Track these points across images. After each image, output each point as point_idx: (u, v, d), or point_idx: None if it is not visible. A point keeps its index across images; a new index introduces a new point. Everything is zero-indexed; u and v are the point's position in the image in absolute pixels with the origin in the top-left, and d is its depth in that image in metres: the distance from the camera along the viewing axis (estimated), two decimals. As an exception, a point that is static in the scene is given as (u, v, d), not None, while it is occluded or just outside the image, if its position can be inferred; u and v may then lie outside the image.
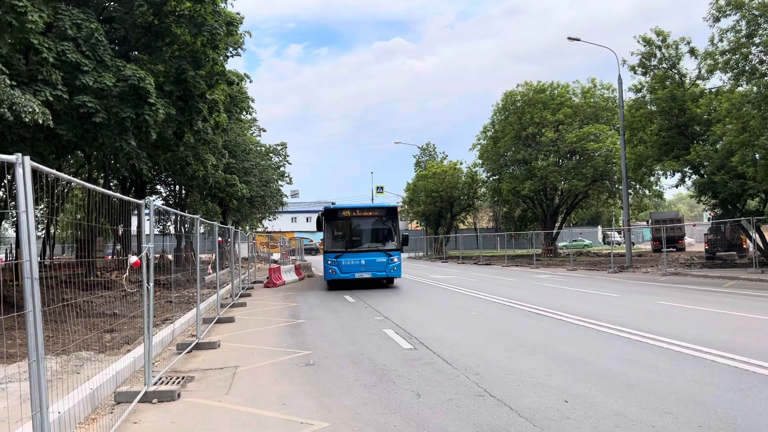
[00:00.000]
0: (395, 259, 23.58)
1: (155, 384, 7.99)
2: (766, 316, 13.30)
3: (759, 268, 26.09)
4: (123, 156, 19.25)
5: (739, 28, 25.46)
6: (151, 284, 7.78)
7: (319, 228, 24.48)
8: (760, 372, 8.13)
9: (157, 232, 41.27)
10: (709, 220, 38.01)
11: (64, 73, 14.88)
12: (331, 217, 24.15)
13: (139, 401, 7.37)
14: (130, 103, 16.27)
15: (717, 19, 26.48)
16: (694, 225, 48.23)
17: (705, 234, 39.77)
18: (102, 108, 15.54)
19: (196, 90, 19.38)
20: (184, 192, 42.04)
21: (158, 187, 43.31)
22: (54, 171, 5.34)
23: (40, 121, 13.03)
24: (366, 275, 23.27)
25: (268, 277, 27.81)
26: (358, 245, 24.04)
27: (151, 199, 8.57)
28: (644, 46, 31.20)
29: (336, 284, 24.22)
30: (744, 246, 34.38)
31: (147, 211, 8.30)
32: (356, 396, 7.63)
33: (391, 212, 24.83)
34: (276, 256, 45.64)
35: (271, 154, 50.41)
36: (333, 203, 26.81)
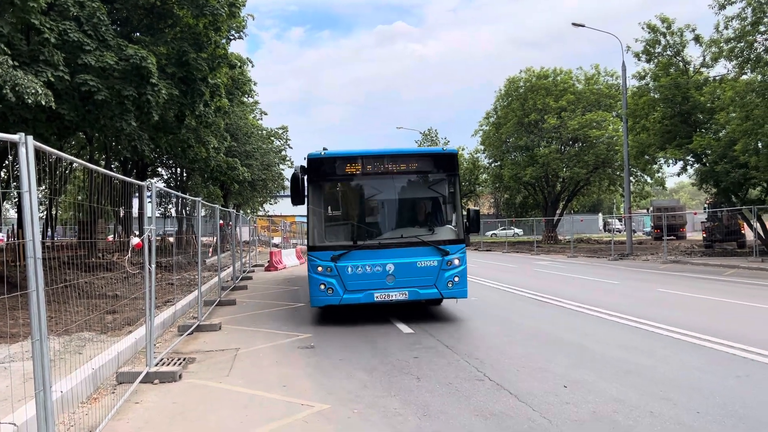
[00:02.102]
0: (456, 261, 11.56)
1: (157, 365, 8.04)
2: (766, 305, 13.33)
3: (759, 256, 26.09)
4: (124, 137, 19.22)
5: (744, 15, 25.25)
6: (153, 266, 7.80)
7: (295, 198, 12.02)
8: (759, 360, 8.16)
9: (158, 215, 41.35)
10: (705, 209, 37.95)
11: (65, 53, 14.81)
12: (320, 176, 11.92)
13: (140, 382, 7.42)
14: (132, 82, 16.20)
15: (722, 7, 26.27)
16: (695, 213, 48.15)
17: (702, 222, 39.70)
18: (104, 87, 15.48)
19: (198, 73, 19.27)
20: (185, 175, 42.04)
21: (159, 169, 43.31)
22: (56, 151, 5.33)
23: (43, 102, 12.99)
24: (396, 295, 11.33)
25: (269, 261, 27.85)
26: (377, 233, 11.95)
27: (153, 181, 8.58)
28: (649, 33, 30.98)
29: (332, 312, 12.67)
30: (742, 232, 34.33)
31: (149, 193, 8.29)
32: (356, 379, 7.67)
33: (445, 164, 12.27)
34: (277, 239, 45.71)
35: (272, 138, 50.27)
36: (324, 149, 12.43)
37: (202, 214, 15.01)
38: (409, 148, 14.64)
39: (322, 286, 11.28)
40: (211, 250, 25.35)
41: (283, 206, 75.32)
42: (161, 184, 40.71)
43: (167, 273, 17.87)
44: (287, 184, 56.46)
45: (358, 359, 8.78)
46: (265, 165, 43.81)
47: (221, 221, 18.42)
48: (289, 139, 53.68)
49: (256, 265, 29.12)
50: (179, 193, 20.66)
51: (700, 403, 6.34)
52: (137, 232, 27.43)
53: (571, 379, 7.43)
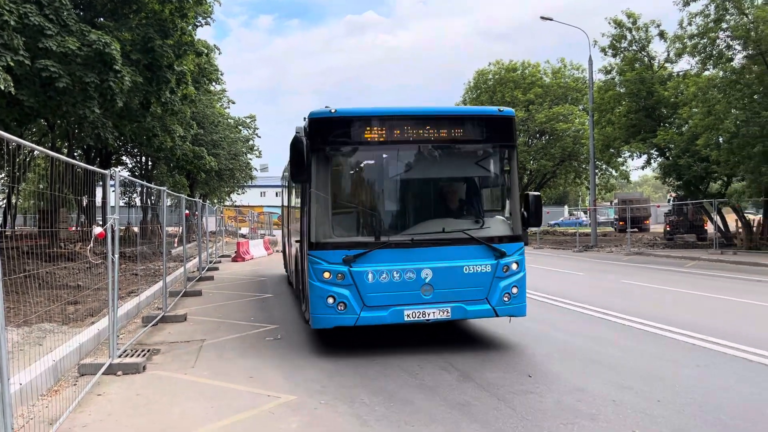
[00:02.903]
0: (514, 265, 8.67)
1: (120, 356, 7.91)
2: (725, 296, 13.65)
3: (719, 249, 26.71)
4: (88, 125, 18.82)
5: (707, 12, 25.73)
6: (116, 256, 7.66)
7: (298, 172, 8.47)
8: (719, 350, 8.36)
9: (122, 204, 40.68)
10: (669, 201, 38.75)
11: (26, 37, 14.41)
12: (328, 144, 8.52)
13: (103, 373, 7.30)
14: (95, 68, 15.84)
15: (686, 3, 26.73)
16: (658, 206, 49.16)
17: (665, 214, 40.50)
18: (65, 73, 15.11)
19: (163, 60, 18.93)
20: (150, 164, 41.37)
21: (124, 158, 42.53)
22: (16, 138, 5.19)
23: (2, 87, 12.63)
24: (434, 313, 8.31)
25: (236, 252, 27.62)
26: (408, 225, 8.81)
27: (117, 170, 8.42)
28: (615, 28, 31.40)
29: (341, 336, 9.20)
30: (705, 227, 35.15)
31: (112, 182, 8.13)
32: (324, 370, 7.65)
33: (500, 131, 9.03)
34: (245, 230, 45.31)
35: (240, 127, 49.71)
36: (333, 111, 8.41)
37: (168, 203, 14.79)
38: (453, 108, 10.81)
39: (330, 300, 8.01)
40: (176, 240, 25.02)
41: (250, 196, 74.70)
42: (125, 173, 40.01)
43: (131, 263, 17.58)
44: (255, 174, 56.29)
45: (325, 348, 8.76)
46: (232, 154, 43.32)
47: (187, 211, 18.18)
48: (257, 129, 53.14)
49: (223, 256, 28.87)
50: (144, 183, 20.35)
51: (661, 392, 6.47)
52: (100, 222, 26.94)
53: (535, 369, 7.52)
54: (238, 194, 62.21)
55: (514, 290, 8.55)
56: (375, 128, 8.44)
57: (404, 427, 5.58)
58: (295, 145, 8.29)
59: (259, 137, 54.11)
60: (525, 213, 8.89)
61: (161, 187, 13.22)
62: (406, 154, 8.81)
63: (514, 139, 9.06)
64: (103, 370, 7.33)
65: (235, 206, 61.49)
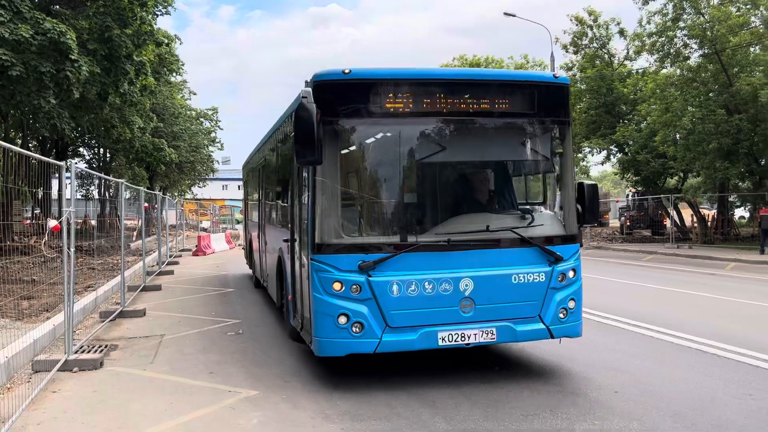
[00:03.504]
0: (571, 273, 7.02)
1: (76, 353, 7.74)
2: (681, 289, 14.00)
3: (675, 243, 27.35)
4: (43, 115, 18.29)
5: (666, 11, 26.28)
6: (72, 249, 7.48)
7: (305, 150, 6.18)
8: (676, 342, 8.54)
9: (79, 197, 39.77)
10: (627, 197, 39.55)
11: (-24, 24, 13.95)
12: (339, 115, 6.54)
13: (58, 370, 7.13)
14: (50, 58, 15.41)
15: (646, 2, 27.26)
16: (617, 201, 50.11)
17: (621, 209, 41.29)
18: (18, 61, 14.66)
19: (122, 50, 18.51)
20: (109, 155, 40.53)
21: (81, 149, 41.56)
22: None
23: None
24: (477, 335, 6.55)
25: (197, 246, 27.29)
26: (442, 222, 7.01)
27: (73, 161, 8.21)
28: (576, 25, 31.86)
29: (351, 362, 6.86)
30: (665, 222, 36.00)
31: (68, 174, 7.92)
32: (287, 365, 7.60)
33: (553, 103, 7.23)
34: (206, 224, 44.77)
35: (201, 119, 49.01)
36: (347, 71, 6.48)
37: (126, 196, 14.49)
38: (499, 71, 7.35)
39: (343, 319, 6.28)
40: (135, 234, 24.58)
41: (212, 189, 73.85)
42: (82, 165, 39.13)
43: (89, 257, 17.20)
44: (217, 166, 55.65)
45: (288, 343, 8.70)
46: (193, 147, 42.73)
47: (146, 204, 17.85)
48: (219, 121, 52.46)
49: (183, 250, 28.48)
50: (102, 175, 19.89)
51: (618, 383, 6.59)
52: (56, 215, 26.29)
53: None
54: (200, 187, 61.41)
55: (571, 304, 6.92)
56: (400, 96, 6.59)
57: (368, 421, 5.57)
58: (302, 113, 6.13)
59: (221, 129, 53.34)
60: (579, 207, 7.32)
61: (119, 180, 12.94)
62: (438, 130, 6.86)
63: (569, 114, 7.44)
64: (58, 366, 7.15)
65: (196, 199, 60.67)
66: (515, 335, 6.66)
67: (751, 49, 25.59)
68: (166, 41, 26.05)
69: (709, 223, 30.52)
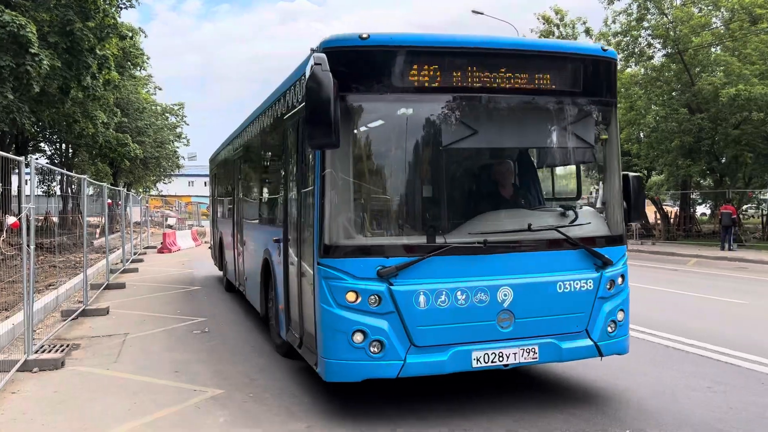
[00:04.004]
0: (619, 280, 6.25)
1: (36, 352, 7.57)
2: (644, 284, 14.24)
3: (639, 239, 27.88)
4: (2, 110, 17.86)
5: (630, 11, 26.75)
6: (32, 247, 7.31)
7: (318, 131, 5.06)
8: (639, 336, 8.70)
9: (40, 193, 38.90)
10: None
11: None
12: (359, 88, 5.46)
13: (18, 370, 6.95)
14: (9, 51, 15.04)
15: (611, 1, 27.69)
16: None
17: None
18: (-24, 55, 14.31)
19: (84, 43, 18.17)
20: (71, 151, 39.73)
21: (42, 144, 40.69)
22: None
23: None
24: (516, 354, 5.59)
25: (162, 243, 26.93)
26: (476, 219, 5.87)
27: (33, 157, 8.02)
28: (543, 23, 32.21)
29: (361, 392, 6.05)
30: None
31: (28, 170, 7.73)
32: (253, 363, 7.53)
33: (600, 79, 6.17)
34: (171, 221, 44.20)
35: (167, 114, 48.37)
36: (365, 36, 5.30)
37: (89, 192, 14.22)
38: (539, 41, 5.67)
39: (359, 337, 5.29)
40: (98, 231, 24.14)
41: (177, 186, 72.89)
42: (43, 161, 38.31)
43: (50, 254, 16.84)
44: (183, 162, 54.92)
45: (254, 342, 8.63)
46: (158, 142, 42.16)
47: (110, 201, 17.53)
48: (185, 116, 51.84)
49: (148, 247, 28.08)
50: (64, 171, 19.49)
51: (582, 375, 6.68)
52: (16, 211, 25.66)
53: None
54: (165, 183, 60.62)
55: (620, 316, 6.10)
56: (428, 68, 5.48)
57: (333, 417, 5.55)
58: (315, 85, 5.02)
59: (188, 125, 52.76)
60: (634, 195, 6.49)
61: (82, 176, 12.68)
62: (470, 110, 5.76)
63: (615, 93, 6.44)
64: (17, 366, 6.97)
65: (162, 196, 59.87)
66: (560, 354, 5.73)
67: (713, 50, 26.18)
68: (131, 34, 25.65)
69: (671, 220, 31.16)
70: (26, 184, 7.73)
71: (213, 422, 5.50)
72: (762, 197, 32.55)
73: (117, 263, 18.80)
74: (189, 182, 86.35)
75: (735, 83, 22.93)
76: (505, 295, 5.50)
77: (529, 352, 5.56)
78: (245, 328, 9.62)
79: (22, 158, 7.71)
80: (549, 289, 5.66)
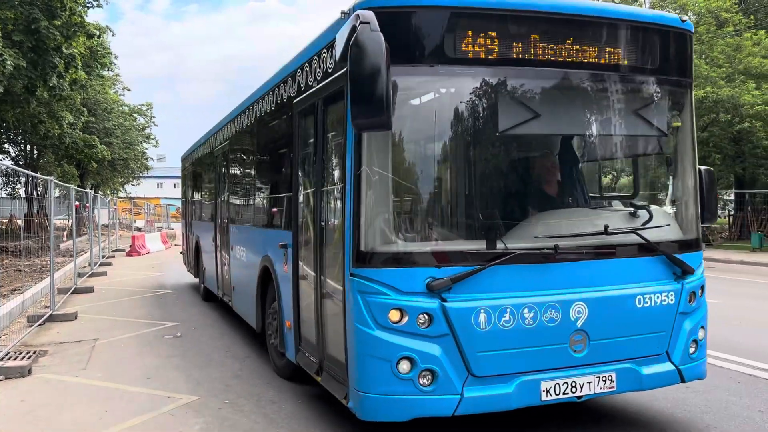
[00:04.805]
0: (700, 291, 5.19)
1: (1, 359, 7.34)
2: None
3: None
4: (-37, 110, 17.41)
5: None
6: (-3, 251, 7.07)
7: (369, 108, 3.96)
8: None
9: (4, 195, 38.00)
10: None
11: None
12: (401, 59, 4.24)
13: (-18, 379, 6.72)
14: (-29, 50, 14.64)
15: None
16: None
17: None
18: (-63, 54, 13.88)
19: (50, 42, 17.76)
20: (36, 152, 38.94)
21: (6, 146, 39.82)
22: None
23: None
24: (591, 384, 4.61)
25: (131, 246, 26.52)
26: (541, 219, 4.90)
27: (-3, 157, 7.77)
28: None
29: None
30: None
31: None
32: (228, 368, 7.38)
33: (675, 54, 5.18)
34: (140, 223, 43.54)
35: (135, 115, 47.68)
36: None
37: (56, 194, 13.89)
38: (609, 6, 5.17)
39: (405, 366, 4.32)
40: (65, 234, 23.66)
41: (146, 188, 71.91)
42: (8, 162, 37.50)
43: (15, 258, 16.44)
44: (151, 164, 54.15)
45: (229, 347, 8.47)
46: (126, 143, 41.54)
47: (77, 203, 17.16)
48: (154, 117, 51.20)
49: (116, 250, 27.61)
50: (29, 172, 19.06)
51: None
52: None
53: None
54: (133, 185, 59.81)
55: (701, 334, 5.19)
56: (486, 36, 4.45)
57: (317, 424, 5.44)
58: (361, 52, 4.00)
59: (156, 126, 52.21)
60: (707, 191, 5.56)
61: (48, 177, 12.39)
62: (531, 89, 4.79)
63: (692, 74, 5.43)
64: (-19, 375, 6.75)
65: (130, 198, 58.99)
66: (640, 381, 4.82)
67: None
68: (98, 33, 25.16)
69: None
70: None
71: (188, 430, 5.35)
72: (728, 198, 33.16)
73: (85, 267, 18.42)
74: (158, 184, 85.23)
75: (702, 86, 23.36)
76: (579, 312, 4.59)
77: (605, 381, 4.66)
78: (218, 332, 9.45)
79: (-14, 159, 7.46)
80: (627, 304, 4.76)
